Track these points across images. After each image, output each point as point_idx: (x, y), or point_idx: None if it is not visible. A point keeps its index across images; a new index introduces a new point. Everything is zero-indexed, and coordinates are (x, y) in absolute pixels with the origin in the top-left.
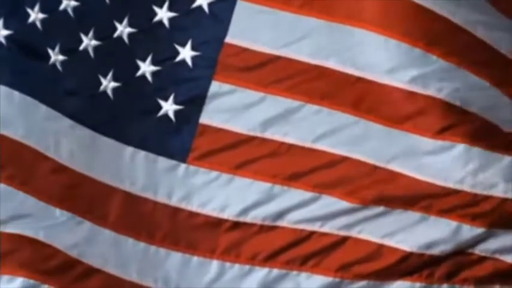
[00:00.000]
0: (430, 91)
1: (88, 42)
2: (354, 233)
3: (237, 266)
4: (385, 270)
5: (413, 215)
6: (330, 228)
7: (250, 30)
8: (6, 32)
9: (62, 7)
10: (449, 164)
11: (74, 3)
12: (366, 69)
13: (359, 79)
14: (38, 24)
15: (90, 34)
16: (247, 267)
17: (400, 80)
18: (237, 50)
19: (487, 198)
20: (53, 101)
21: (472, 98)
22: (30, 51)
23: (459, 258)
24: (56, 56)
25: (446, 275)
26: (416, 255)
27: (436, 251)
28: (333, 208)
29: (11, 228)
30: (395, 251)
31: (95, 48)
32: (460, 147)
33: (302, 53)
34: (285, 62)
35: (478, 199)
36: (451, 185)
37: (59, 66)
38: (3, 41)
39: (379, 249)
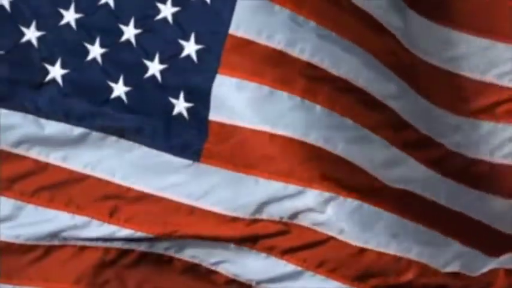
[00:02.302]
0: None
1: (96, 51)
2: (371, 245)
3: (254, 251)
4: (405, 286)
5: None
6: (347, 237)
7: (253, 22)
8: None
9: (63, 22)
10: None
11: (77, 16)
12: None
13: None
14: (34, 42)
15: (97, 43)
16: (263, 254)
17: None
18: (241, 42)
19: None
20: (53, 114)
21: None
22: (24, 70)
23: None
24: (56, 71)
25: None
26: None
27: (455, 267)
28: (348, 212)
29: None
30: (415, 264)
31: (103, 55)
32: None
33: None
34: (292, 60)
35: None
36: None
37: (59, 81)
38: None
39: (398, 262)
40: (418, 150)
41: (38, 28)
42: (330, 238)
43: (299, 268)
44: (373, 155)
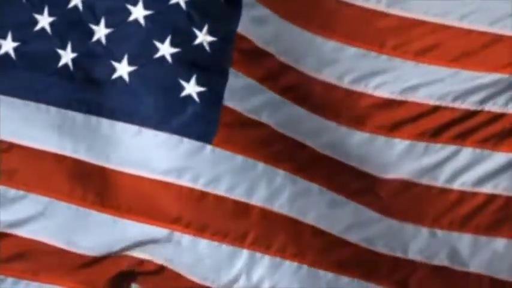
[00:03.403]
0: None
1: (100, 32)
2: (364, 244)
3: (267, 257)
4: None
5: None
6: (351, 237)
7: (254, 27)
8: (14, 44)
9: (71, 5)
10: None
11: None
12: None
13: (347, 91)
14: (48, 28)
15: (102, 23)
16: (277, 259)
17: None
18: (247, 42)
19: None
20: (65, 102)
21: None
22: (38, 59)
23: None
24: (67, 56)
25: None
26: (422, 264)
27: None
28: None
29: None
30: (401, 260)
31: (107, 36)
32: None
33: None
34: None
35: None
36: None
37: (70, 65)
38: (12, 53)
39: (386, 259)
40: None
41: (50, 14)
42: (330, 235)
43: (312, 269)
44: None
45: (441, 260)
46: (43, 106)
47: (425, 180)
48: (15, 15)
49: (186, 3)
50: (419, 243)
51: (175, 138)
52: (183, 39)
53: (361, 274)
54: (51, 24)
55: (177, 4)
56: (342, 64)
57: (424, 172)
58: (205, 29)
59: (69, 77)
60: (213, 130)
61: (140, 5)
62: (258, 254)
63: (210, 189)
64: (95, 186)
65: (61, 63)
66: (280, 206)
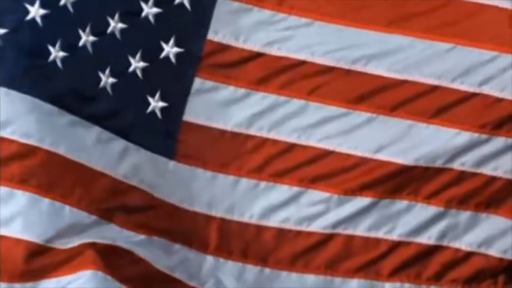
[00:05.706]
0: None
1: (86, 38)
2: (339, 230)
3: (230, 262)
4: (374, 265)
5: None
6: (316, 227)
7: (231, 27)
8: (1, 31)
9: (62, 2)
10: None
11: None
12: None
13: (349, 71)
14: (38, 20)
15: (87, 30)
16: (239, 264)
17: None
18: (219, 46)
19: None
20: (54, 98)
21: None
22: (27, 49)
23: (446, 254)
24: (56, 53)
25: (434, 276)
26: (404, 243)
27: (423, 238)
28: (318, 204)
29: None
30: (382, 241)
31: (93, 44)
32: None
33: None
34: (269, 59)
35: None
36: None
37: (59, 63)
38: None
39: (366, 242)
40: None
41: (42, 6)
42: (300, 232)
43: (275, 271)
44: None
45: (429, 237)
46: (18, 96)
47: (422, 162)
48: (4, 1)
49: (155, 16)
50: (411, 217)
51: (143, 151)
52: (152, 53)
53: (326, 268)
54: (42, 17)
55: (146, 18)
56: (335, 44)
57: (422, 155)
58: (172, 41)
59: (56, 74)
60: (174, 146)
61: (117, 17)
62: (222, 260)
63: (172, 201)
64: None
65: (50, 58)
66: (240, 215)
